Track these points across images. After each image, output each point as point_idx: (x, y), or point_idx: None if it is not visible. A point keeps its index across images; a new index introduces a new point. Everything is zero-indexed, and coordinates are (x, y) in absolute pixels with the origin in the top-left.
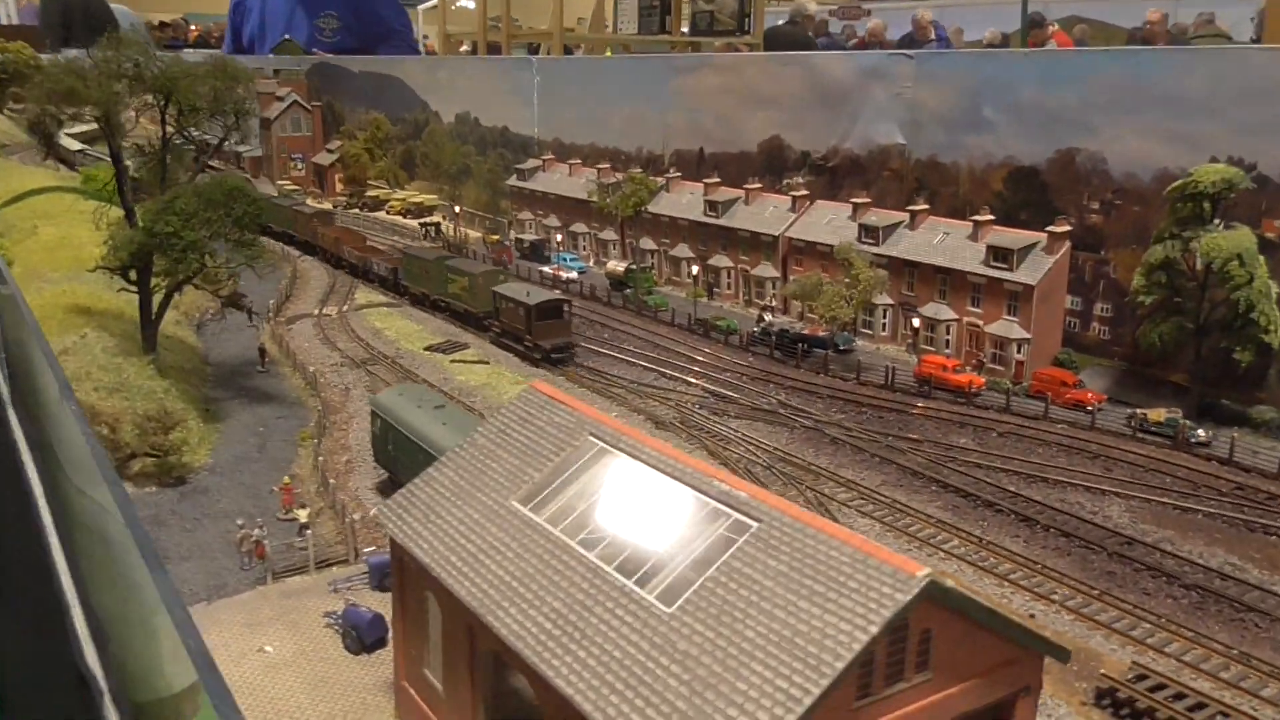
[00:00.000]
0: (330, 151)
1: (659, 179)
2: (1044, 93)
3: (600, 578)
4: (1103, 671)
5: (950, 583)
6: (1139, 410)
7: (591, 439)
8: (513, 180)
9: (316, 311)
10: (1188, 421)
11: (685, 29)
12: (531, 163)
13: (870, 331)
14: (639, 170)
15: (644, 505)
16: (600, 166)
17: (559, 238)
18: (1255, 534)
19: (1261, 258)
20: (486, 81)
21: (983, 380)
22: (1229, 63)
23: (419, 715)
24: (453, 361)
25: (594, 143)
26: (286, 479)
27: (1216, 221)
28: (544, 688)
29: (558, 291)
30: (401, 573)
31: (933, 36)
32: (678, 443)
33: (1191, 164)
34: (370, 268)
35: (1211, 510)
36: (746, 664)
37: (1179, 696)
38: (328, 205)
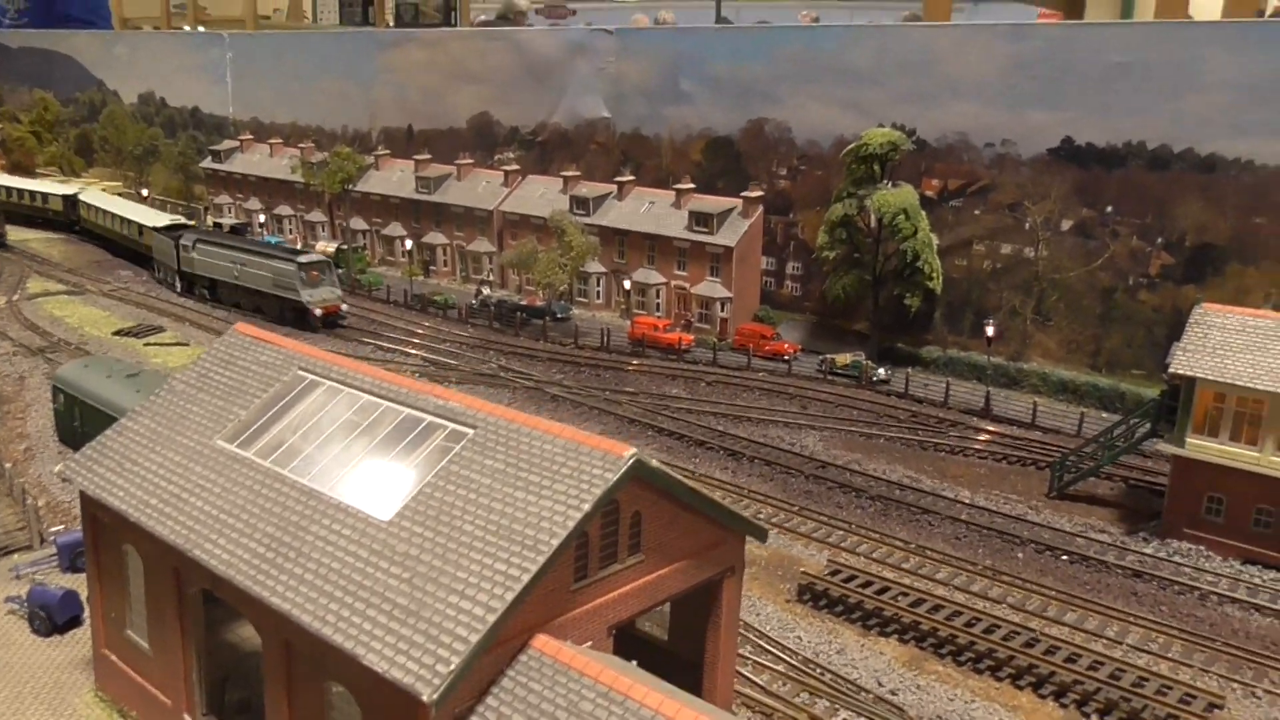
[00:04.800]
0: None
1: (368, 156)
2: (735, 66)
3: (316, 499)
4: (803, 570)
5: (655, 462)
6: (828, 356)
7: (301, 373)
8: (207, 163)
9: None
10: (870, 363)
11: (390, 21)
12: (228, 144)
13: (585, 299)
14: (345, 147)
15: (360, 428)
16: (304, 145)
17: (262, 220)
18: (928, 451)
19: (923, 212)
20: (172, 59)
21: (691, 337)
22: (890, 38)
23: (124, 681)
24: (147, 345)
25: (295, 121)
26: None
27: (885, 181)
28: (260, 613)
29: None
30: (95, 530)
31: None
32: None
33: (863, 130)
34: None
35: (892, 435)
36: (466, 555)
37: (868, 584)
38: None
